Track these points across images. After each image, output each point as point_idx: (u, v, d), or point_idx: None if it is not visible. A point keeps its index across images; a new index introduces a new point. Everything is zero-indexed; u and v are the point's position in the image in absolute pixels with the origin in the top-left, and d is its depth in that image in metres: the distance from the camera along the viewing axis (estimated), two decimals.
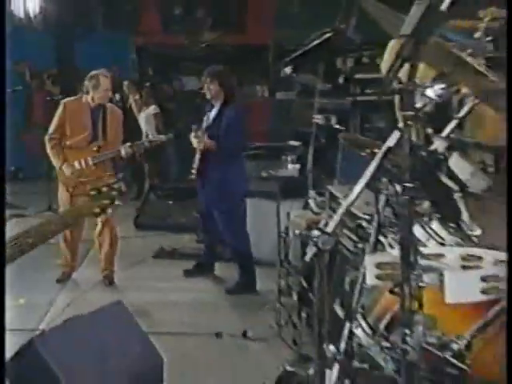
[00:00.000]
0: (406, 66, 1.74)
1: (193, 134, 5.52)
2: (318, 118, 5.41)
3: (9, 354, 2.79)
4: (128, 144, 5.66)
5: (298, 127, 6.19)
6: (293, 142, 5.99)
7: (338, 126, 5.08)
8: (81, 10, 10.73)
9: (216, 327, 4.68)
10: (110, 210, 2.53)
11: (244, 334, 4.66)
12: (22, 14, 10.34)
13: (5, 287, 2.38)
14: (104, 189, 2.50)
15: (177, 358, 3.89)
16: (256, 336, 4.63)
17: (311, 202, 4.97)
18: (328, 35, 5.05)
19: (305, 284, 4.30)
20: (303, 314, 4.36)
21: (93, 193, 2.48)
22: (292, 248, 4.94)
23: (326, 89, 5.04)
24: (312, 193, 5.10)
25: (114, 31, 10.78)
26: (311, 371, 2.34)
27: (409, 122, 1.86)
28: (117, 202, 2.53)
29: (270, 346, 4.44)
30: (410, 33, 1.67)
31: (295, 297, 4.57)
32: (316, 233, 2.10)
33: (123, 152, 5.60)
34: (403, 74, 1.86)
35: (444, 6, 1.65)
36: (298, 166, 5.63)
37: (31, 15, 10.42)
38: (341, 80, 7.38)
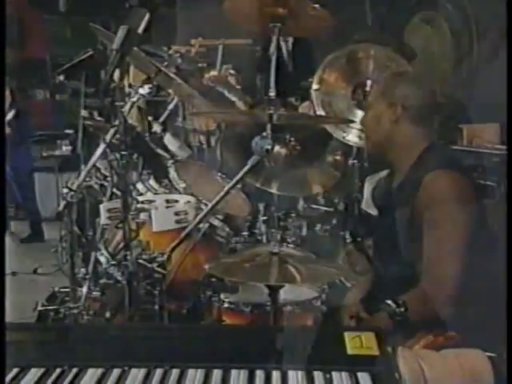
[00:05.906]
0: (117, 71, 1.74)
1: None
2: (84, 113, 5.19)
3: None
4: None
5: (70, 119, 5.89)
6: (67, 131, 5.76)
7: (99, 118, 4.88)
8: None
9: (12, 268, 4.35)
10: None
11: (35, 271, 4.44)
12: None
13: (5, 283, 2.01)
14: None
15: None
16: (44, 272, 4.41)
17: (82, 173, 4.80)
18: (90, 53, 4.88)
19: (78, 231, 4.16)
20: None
21: None
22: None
23: (90, 91, 4.85)
24: (83, 167, 4.94)
25: None
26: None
27: (124, 110, 1.87)
28: None
29: (53, 278, 4.24)
30: (118, 48, 1.67)
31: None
32: (65, 190, 2.05)
33: None
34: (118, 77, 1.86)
35: (140, 30, 1.67)
36: (70, 147, 5.46)
37: None
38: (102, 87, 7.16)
